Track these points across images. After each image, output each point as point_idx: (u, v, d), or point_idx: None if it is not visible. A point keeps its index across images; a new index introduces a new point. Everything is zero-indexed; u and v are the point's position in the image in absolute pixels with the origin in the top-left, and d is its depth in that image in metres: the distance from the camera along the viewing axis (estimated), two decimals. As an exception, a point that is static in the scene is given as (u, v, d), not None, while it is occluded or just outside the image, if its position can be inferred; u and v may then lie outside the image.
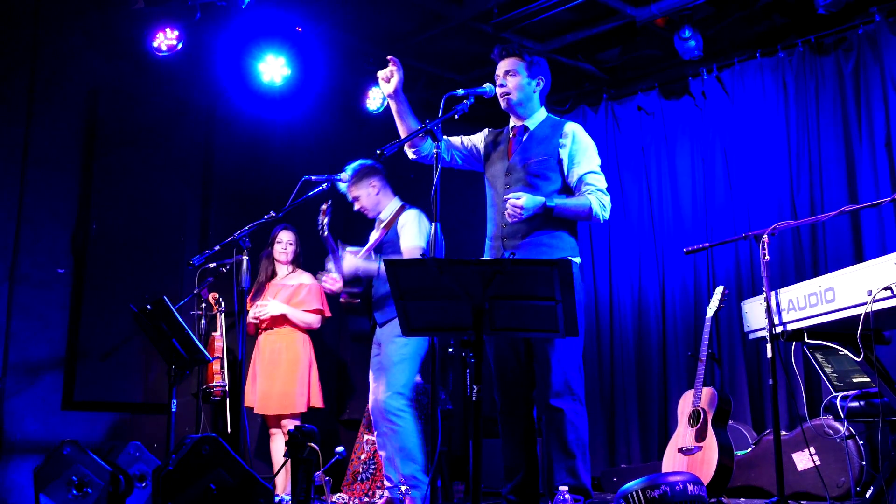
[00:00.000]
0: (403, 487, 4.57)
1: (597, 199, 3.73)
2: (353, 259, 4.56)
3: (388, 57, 3.88)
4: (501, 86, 3.86)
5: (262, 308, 5.41)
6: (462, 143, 4.06)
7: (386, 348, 4.57)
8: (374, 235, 4.75)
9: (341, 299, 4.81)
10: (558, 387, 3.66)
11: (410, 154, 3.96)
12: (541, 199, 3.64)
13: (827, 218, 4.17)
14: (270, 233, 5.59)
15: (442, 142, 3.56)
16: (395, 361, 4.50)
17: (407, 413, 4.46)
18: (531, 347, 3.76)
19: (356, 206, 4.83)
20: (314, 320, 5.52)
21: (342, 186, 4.80)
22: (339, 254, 4.56)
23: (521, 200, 3.59)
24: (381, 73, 3.88)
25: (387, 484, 4.68)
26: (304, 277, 5.57)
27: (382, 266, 4.51)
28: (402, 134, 3.90)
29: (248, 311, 5.25)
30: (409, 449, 4.44)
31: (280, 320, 5.49)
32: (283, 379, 5.40)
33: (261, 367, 5.47)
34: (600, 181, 3.80)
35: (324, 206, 4.51)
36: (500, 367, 3.84)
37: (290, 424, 5.15)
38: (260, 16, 5.80)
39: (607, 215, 3.78)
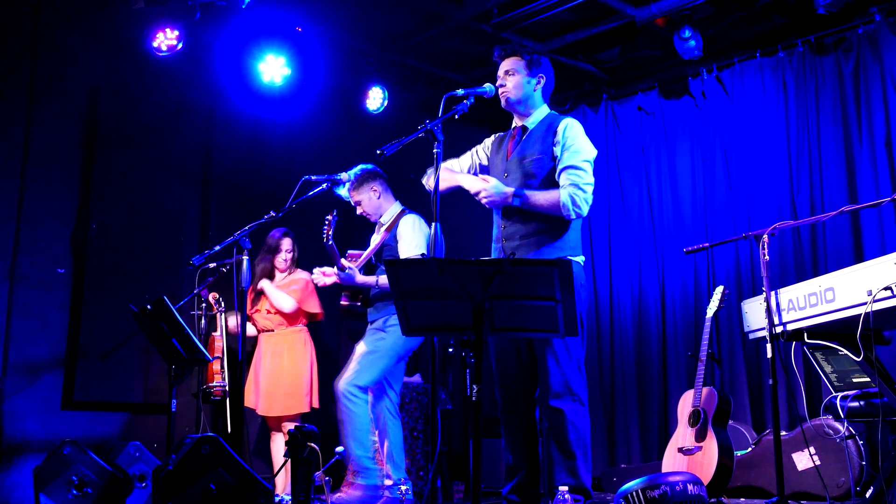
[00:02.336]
0: (403, 487, 4.58)
1: (568, 193, 3.65)
2: (354, 273, 4.66)
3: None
4: (501, 86, 3.87)
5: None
6: (474, 154, 4.10)
7: (364, 338, 4.71)
8: (376, 239, 4.81)
9: (342, 303, 4.87)
10: (558, 388, 3.65)
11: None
12: (509, 189, 3.68)
13: (827, 218, 4.16)
14: (271, 235, 5.60)
15: (441, 143, 3.56)
16: (367, 351, 4.65)
17: (359, 399, 4.55)
18: (532, 347, 3.76)
19: (358, 211, 4.90)
20: (288, 304, 5.49)
21: (343, 192, 4.84)
22: (340, 264, 4.62)
23: (488, 184, 3.66)
24: None
25: (387, 482, 4.70)
26: (302, 274, 5.62)
27: (379, 279, 4.66)
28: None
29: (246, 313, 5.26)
30: (358, 436, 4.56)
31: (284, 320, 5.53)
32: (287, 380, 5.42)
33: (263, 368, 5.48)
34: (580, 176, 3.70)
35: (329, 217, 4.55)
36: (501, 366, 3.84)
37: (289, 425, 5.16)
38: (260, 16, 5.80)
39: (581, 212, 3.69)
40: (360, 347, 4.70)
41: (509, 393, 3.84)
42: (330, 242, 4.57)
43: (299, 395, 5.41)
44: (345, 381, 4.62)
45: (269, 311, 5.55)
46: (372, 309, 4.78)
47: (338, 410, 4.71)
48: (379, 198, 4.87)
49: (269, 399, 5.41)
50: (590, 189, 3.74)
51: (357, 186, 4.84)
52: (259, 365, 5.49)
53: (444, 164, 3.94)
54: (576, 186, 3.68)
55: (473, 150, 4.12)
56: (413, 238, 4.67)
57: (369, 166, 4.88)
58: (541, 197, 3.69)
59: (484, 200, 3.70)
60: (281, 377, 5.42)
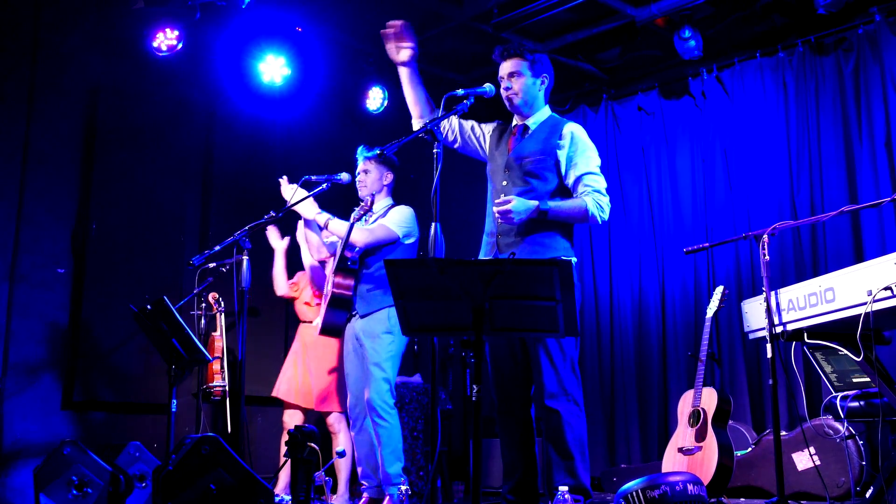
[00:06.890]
0: (403, 487, 4.57)
1: (593, 200, 3.71)
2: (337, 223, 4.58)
3: (397, 23, 3.86)
4: (507, 88, 3.86)
5: None
6: (472, 128, 4.07)
7: (371, 344, 4.54)
8: (353, 216, 4.63)
9: (334, 290, 4.69)
10: (552, 387, 3.65)
11: (417, 123, 3.96)
12: (533, 203, 3.62)
13: (827, 218, 4.16)
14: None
15: (441, 143, 3.56)
16: (383, 358, 4.51)
17: (395, 411, 4.50)
18: (526, 347, 3.76)
19: (358, 178, 4.77)
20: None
21: (361, 152, 4.79)
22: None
23: (511, 205, 3.56)
24: (391, 42, 3.91)
25: (364, 484, 4.66)
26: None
27: (330, 222, 4.57)
28: (409, 102, 3.99)
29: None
30: (396, 448, 4.47)
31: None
32: (334, 376, 5.18)
33: (307, 361, 5.22)
34: (598, 182, 3.77)
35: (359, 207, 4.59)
36: (496, 366, 3.83)
37: (290, 423, 5.11)
38: (260, 16, 5.80)
39: (606, 217, 3.75)
40: (373, 355, 4.52)
41: (504, 393, 3.83)
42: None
43: (336, 392, 5.20)
44: (376, 396, 4.46)
45: (307, 304, 5.37)
46: (363, 303, 4.59)
47: (365, 429, 4.59)
48: (384, 183, 4.79)
49: (306, 392, 5.17)
50: (607, 193, 3.79)
51: (377, 161, 4.76)
52: (300, 356, 5.26)
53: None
54: (598, 192, 3.74)
55: (475, 122, 4.08)
56: (399, 217, 4.63)
57: (395, 158, 4.76)
58: (565, 206, 3.70)
59: (515, 219, 3.60)
60: (328, 372, 5.19)
